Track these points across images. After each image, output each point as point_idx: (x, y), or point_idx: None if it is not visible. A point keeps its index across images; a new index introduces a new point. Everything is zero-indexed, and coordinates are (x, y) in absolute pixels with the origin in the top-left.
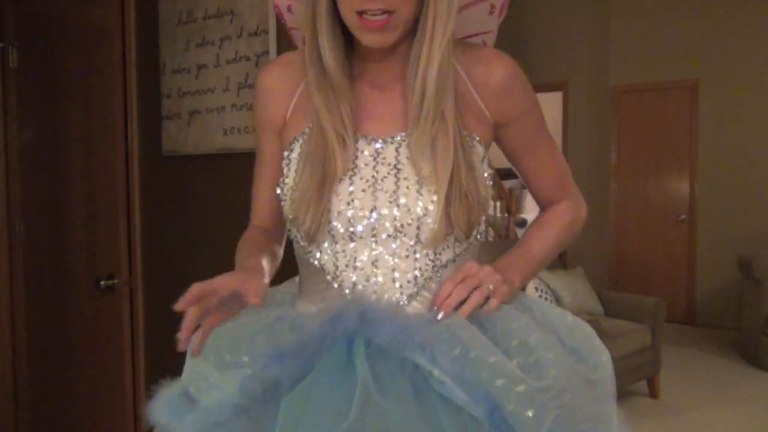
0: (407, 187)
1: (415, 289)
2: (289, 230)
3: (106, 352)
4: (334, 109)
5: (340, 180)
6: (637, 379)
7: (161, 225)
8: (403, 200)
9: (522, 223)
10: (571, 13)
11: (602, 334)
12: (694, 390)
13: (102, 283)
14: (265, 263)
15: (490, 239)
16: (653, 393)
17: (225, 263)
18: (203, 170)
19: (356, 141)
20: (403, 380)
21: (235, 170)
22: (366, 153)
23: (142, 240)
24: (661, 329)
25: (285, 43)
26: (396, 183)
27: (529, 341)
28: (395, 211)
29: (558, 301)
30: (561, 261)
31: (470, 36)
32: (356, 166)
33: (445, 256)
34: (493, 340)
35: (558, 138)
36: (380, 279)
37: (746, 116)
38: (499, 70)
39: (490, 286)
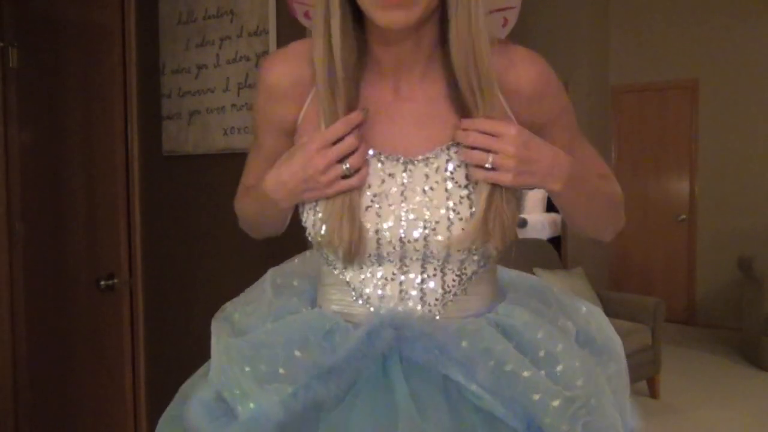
0: (438, 216)
1: (443, 303)
2: (321, 249)
3: (106, 352)
4: (334, 113)
5: (367, 207)
6: (637, 379)
7: (161, 225)
8: (434, 229)
9: (522, 224)
10: (571, 13)
11: None
12: (694, 390)
13: (102, 283)
14: None
15: None
16: (653, 393)
17: (225, 263)
18: (203, 170)
19: (383, 162)
20: (439, 397)
21: (235, 170)
22: (395, 177)
23: (142, 240)
24: (661, 329)
25: (285, 43)
26: (426, 211)
27: (555, 351)
28: (425, 240)
29: None
30: (561, 261)
31: (493, 11)
32: (384, 191)
33: (470, 268)
34: (519, 350)
35: None
36: (409, 301)
37: (746, 116)
38: (530, 74)
39: (508, 162)
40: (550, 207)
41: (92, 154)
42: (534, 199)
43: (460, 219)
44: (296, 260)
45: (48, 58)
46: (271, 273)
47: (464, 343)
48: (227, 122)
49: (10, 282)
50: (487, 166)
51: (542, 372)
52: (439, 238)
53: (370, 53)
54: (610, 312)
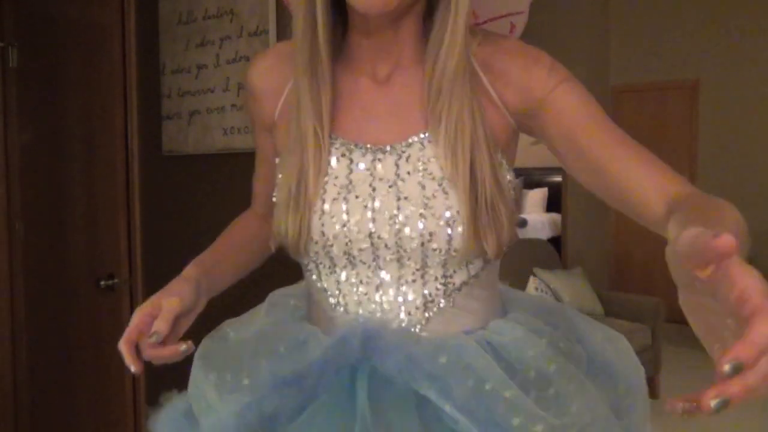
0: (410, 210)
1: (427, 315)
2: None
3: (106, 352)
4: (315, 98)
5: (334, 199)
6: None
7: (161, 225)
8: (405, 225)
9: (522, 223)
10: (571, 13)
11: None
12: (694, 390)
13: (102, 283)
14: (214, 261)
15: None
16: (653, 393)
17: None
18: (203, 170)
19: (351, 152)
20: (411, 415)
21: (235, 170)
22: (362, 166)
23: (142, 240)
24: (661, 329)
25: None
26: (397, 203)
27: (548, 371)
28: (396, 236)
29: (558, 301)
30: (561, 261)
31: (499, 17)
32: (350, 182)
33: (458, 278)
34: (508, 370)
35: None
36: (385, 306)
37: (746, 116)
38: (517, 63)
39: None
40: (550, 207)
41: (92, 154)
42: (534, 199)
43: (433, 215)
44: (302, 283)
45: (48, 58)
46: (272, 294)
47: (443, 359)
48: (227, 122)
49: (10, 282)
50: None
51: (531, 394)
52: (411, 234)
53: (347, 41)
54: (610, 312)
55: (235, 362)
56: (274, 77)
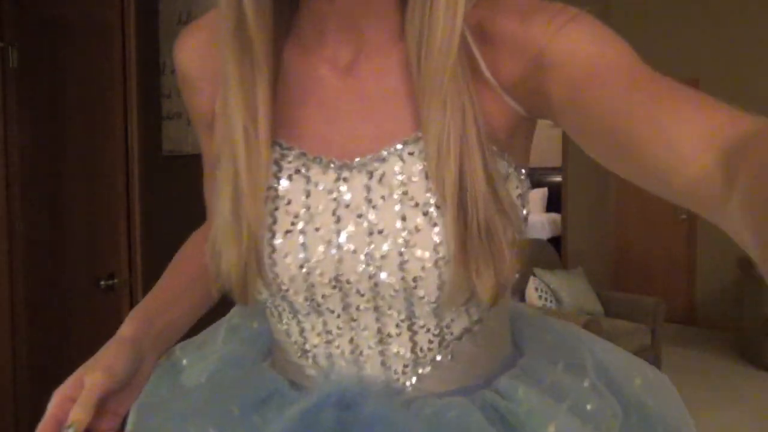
0: (386, 247)
1: (420, 371)
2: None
3: None
4: (246, 84)
5: (287, 231)
6: None
7: (161, 225)
8: (381, 268)
9: None
10: None
11: (602, 335)
12: (694, 390)
13: (102, 283)
14: (162, 307)
15: None
16: None
17: None
18: (203, 170)
19: (307, 167)
20: None
21: None
22: (322, 188)
23: (142, 240)
24: (661, 329)
25: None
26: (368, 239)
27: None
28: (370, 281)
29: (558, 301)
30: (561, 261)
31: None
32: (308, 209)
33: (458, 325)
34: None
35: (558, 138)
36: (366, 365)
37: None
38: (515, 18)
39: None
40: (550, 207)
41: (92, 154)
42: (534, 198)
43: (417, 256)
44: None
45: (48, 58)
46: (233, 311)
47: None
48: None
49: (10, 282)
50: None
51: None
52: (390, 280)
53: (298, 9)
54: (610, 312)
55: (180, 422)
56: (209, 57)
